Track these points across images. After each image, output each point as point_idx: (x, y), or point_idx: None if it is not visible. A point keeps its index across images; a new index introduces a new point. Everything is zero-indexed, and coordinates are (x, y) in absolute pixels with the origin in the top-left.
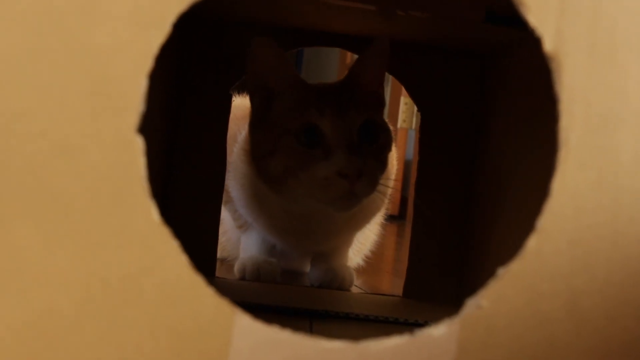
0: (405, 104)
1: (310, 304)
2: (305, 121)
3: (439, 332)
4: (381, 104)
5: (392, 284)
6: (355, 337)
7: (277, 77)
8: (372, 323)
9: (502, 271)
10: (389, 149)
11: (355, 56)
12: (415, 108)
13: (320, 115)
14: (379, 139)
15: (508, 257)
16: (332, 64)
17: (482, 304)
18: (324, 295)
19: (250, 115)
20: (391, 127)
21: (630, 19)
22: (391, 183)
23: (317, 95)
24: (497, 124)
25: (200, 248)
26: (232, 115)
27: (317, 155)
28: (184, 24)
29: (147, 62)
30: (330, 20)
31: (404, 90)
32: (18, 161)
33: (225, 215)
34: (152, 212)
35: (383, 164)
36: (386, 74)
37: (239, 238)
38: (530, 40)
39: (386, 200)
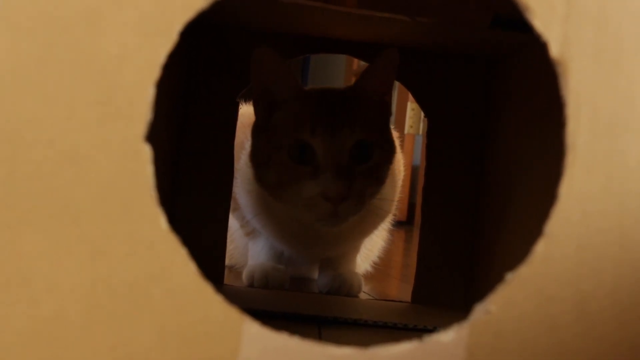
0: (412, 109)
1: (318, 310)
2: (298, 138)
3: (448, 337)
4: (388, 112)
5: (401, 289)
6: (364, 343)
7: (278, 87)
8: (380, 329)
9: (510, 276)
10: (384, 166)
11: (362, 63)
12: (422, 114)
13: (312, 133)
14: (372, 158)
15: (516, 262)
16: (339, 70)
17: (490, 309)
18: (332, 302)
19: (253, 122)
20: (397, 133)
21: (636, 24)
22: (398, 190)
23: (313, 111)
24: (504, 129)
25: (209, 255)
26: (239, 123)
27: (306, 173)
28: (191, 32)
29: (154, 71)
30: (337, 27)
31: (410, 96)
32: (26, 169)
33: (233, 222)
34: (160, 220)
35: (377, 180)
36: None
37: (247, 245)
38: (536, 44)
39: (394, 207)
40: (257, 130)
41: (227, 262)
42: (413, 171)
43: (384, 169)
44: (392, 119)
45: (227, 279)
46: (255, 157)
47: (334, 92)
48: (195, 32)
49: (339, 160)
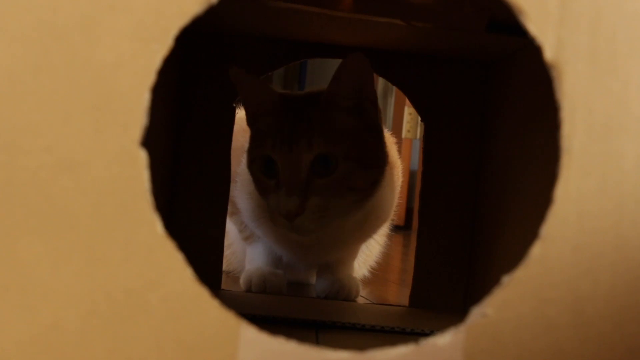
0: (410, 114)
1: (316, 315)
2: (264, 152)
3: (445, 341)
4: (369, 117)
5: (399, 294)
6: (362, 347)
7: (256, 101)
8: (378, 333)
9: (506, 279)
10: (359, 175)
11: None
12: (419, 118)
13: (272, 148)
14: (336, 170)
15: (514, 265)
16: None
17: (487, 312)
18: (330, 306)
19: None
20: (395, 139)
21: (630, 27)
22: (396, 195)
23: (277, 125)
24: (501, 132)
25: (206, 260)
26: (238, 127)
27: (271, 187)
28: (186, 38)
29: (149, 77)
30: (333, 31)
31: (408, 101)
32: (23, 176)
33: (230, 227)
34: (157, 226)
35: (349, 189)
36: (389, 84)
37: (244, 251)
38: (532, 48)
39: (392, 212)
40: (250, 142)
41: (224, 267)
42: (411, 176)
43: (359, 179)
44: (390, 123)
45: (225, 284)
46: (248, 164)
47: (302, 101)
48: (191, 38)
49: (295, 176)
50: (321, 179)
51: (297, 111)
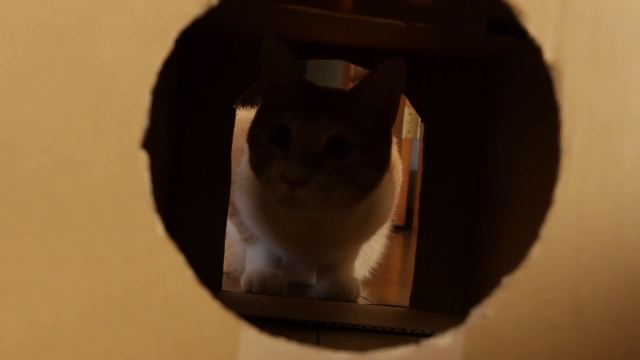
0: (410, 114)
1: (317, 316)
2: (279, 120)
3: (445, 342)
4: (386, 125)
5: (399, 294)
6: (362, 348)
7: (281, 75)
8: (379, 334)
9: (506, 280)
10: (365, 172)
11: (359, 68)
12: (419, 118)
13: (292, 117)
14: (349, 156)
15: (514, 265)
16: (336, 76)
17: (487, 313)
18: (330, 307)
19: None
20: (395, 139)
21: (630, 28)
22: (396, 196)
23: (303, 98)
24: (501, 133)
25: (207, 261)
26: (238, 128)
27: (278, 154)
28: (186, 39)
29: (150, 78)
30: (333, 32)
31: (408, 101)
32: (23, 177)
33: (230, 228)
34: (157, 227)
35: (355, 184)
36: None
37: (245, 252)
38: (531, 48)
39: (392, 212)
40: (256, 114)
41: (225, 268)
42: (411, 176)
43: (364, 176)
44: None
45: (225, 285)
46: (249, 137)
47: (330, 89)
48: (191, 39)
49: (309, 147)
50: (333, 160)
51: (323, 93)
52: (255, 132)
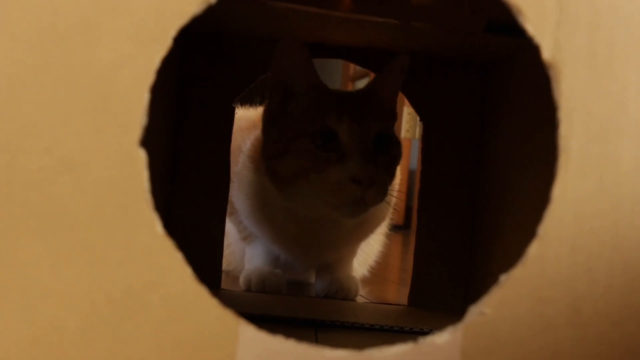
0: (409, 114)
1: (315, 314)
2: (323, 124)
3: (442, 339)
4: (394, 117)
5: (398, 293)
6: (361, 346)
7: (300, 79)
8: (377, 332)
9: (504, 278)
10: (398, 162)
11: (358, 68)
12: (418, 118)
13: (338, 120)
14: (391, 151)
15: (512, 264)
16: (336, 76)
17: (484, 311)
18: (329, 306)
19: (265, 113)
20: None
21: (627, 28)
22: (395, 193)
23: (337, 100)
24: (500, 133)
25: (206, 260)
26: (236, 127)
27: (332, 159)
28: (185, 37)
29: (148, 77)
30: (332, 32)
31: (407, 101)
32: (23, 177)
33: (229, 227)
34: (156, 225)
35: (393, 175)
36: None
37: (243, 250)
38: (530, 48)
39: (390, 211)
40: (271, 122)
41: (224, 266)
42: (410, 175)
43: (396, 167)
44: None
45: (224, 284)
46: (268, 150)
47: (347, 91)
48: (189, 38)
49: (365, 147)
50: (381, 156)
51: (346, 94)
52: (279, 143)
